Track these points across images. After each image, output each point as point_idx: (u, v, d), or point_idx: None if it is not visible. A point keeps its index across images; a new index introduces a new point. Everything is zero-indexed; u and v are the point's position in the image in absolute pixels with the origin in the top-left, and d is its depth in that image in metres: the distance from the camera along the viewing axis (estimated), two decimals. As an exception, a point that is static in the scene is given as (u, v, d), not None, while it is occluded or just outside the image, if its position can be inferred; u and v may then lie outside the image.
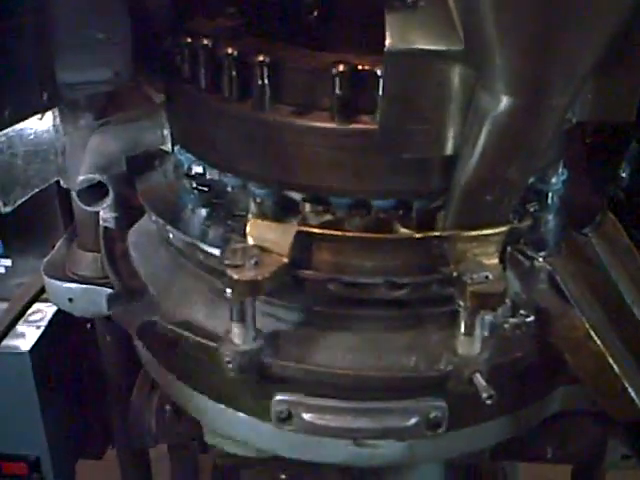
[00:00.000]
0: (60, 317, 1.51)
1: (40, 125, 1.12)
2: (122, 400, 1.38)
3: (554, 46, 0.74)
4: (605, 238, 1.00)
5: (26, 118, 1.05)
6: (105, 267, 1.18)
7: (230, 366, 0.94)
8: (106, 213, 1.25)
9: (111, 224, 1.26)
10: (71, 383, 1.55)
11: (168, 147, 1.21)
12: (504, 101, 0.79)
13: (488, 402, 0.89)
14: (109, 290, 1.28)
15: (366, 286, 0.96)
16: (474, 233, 0.90)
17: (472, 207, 0.91)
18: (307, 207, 1.01)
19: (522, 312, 0.95)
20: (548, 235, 1.03)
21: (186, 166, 1.14)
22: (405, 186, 0.96)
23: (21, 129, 1.09)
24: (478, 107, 0.83)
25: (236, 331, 0.94)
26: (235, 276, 0.89)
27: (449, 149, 0.89)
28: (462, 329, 0.92)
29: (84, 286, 1.32)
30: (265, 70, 0.94)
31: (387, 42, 0.82)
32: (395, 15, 0.83)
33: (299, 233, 0.92)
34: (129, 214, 1.27)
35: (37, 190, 1.14)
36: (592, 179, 1.15)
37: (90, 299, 1.32)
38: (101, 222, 1.26)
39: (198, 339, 1.00)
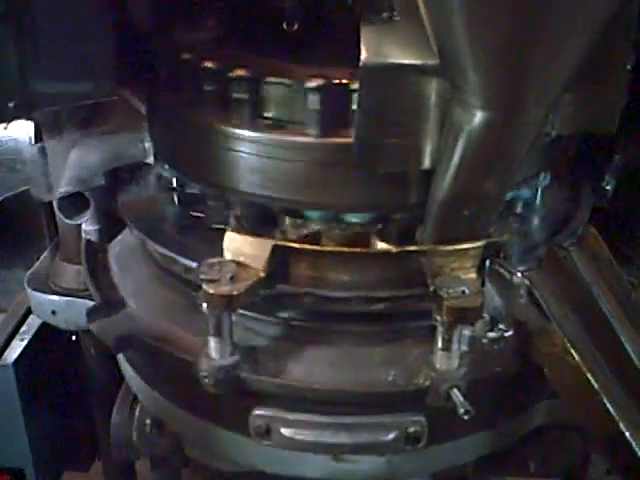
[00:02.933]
0: (45, 329, 1.51)
1: (5, 133, 1.10)
2: (107, 412, 1.37)
3: (526, 62, 0.74)
4: (586, 252, 1.00)
5: None
6: (85, 279, 1.17)
7: (207, 381, 0.93)
8: (88, 226, 1.25)
9: (93, 237, 1.25)
10: (57, 395, 1.54)
11: (150, 159, 1.21)
12: (478, 116, 0.79)
13: (465, 417, 0.88)
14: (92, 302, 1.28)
15: (344, 300, 0.96)
16: (451, 248, 0.90)
17: (449, 222, 0.91)
18: (285, 220, 1.00)
19: (501, 326, 0.95)
20: (528, 248, 1.02)
21: (167, 178, 1.14)
22: (382, 200, 0.96)
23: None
24: (453, 121, 0.82)
25: (213, 345, 0.93)
26: (211, 290, 0.88)
27: (426, 163, 0.89)
28: (440, 344, 0.91)
29: (67, 298, 1.33)
30: (241, 84, 0.94)
31: (362, 56, 0.82)
32: (370, 29, 0.83)
33: (275, 247, 0.92)
34: (112, 227, 1.27)
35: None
36: (574, 192, 1.14)
37: (73, 311, 1.32)
38: (83, 235, 1.25)
39: (175, 353, 0.99)
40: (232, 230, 0.94)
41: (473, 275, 0.91)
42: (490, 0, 0.71)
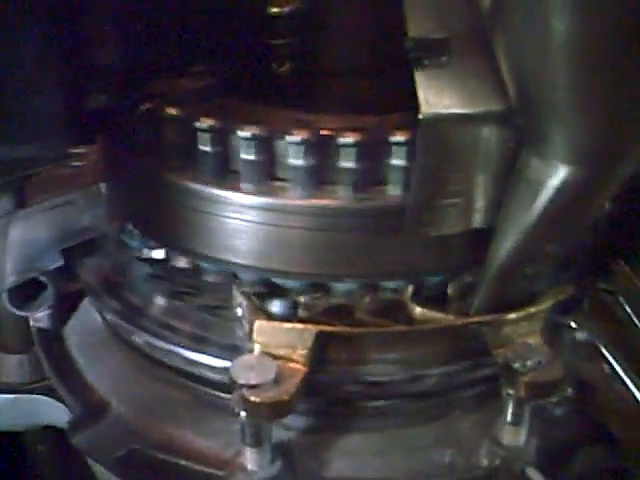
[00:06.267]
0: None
1: None
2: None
3: (631, 107, 0.64)
4: (628, 294, 0.92)
5: None
6: (53, 381, 0.98)
7: (246, 500, 0.79)
8: (39, 311, 1.04)
9: (45, 323, 1.05)
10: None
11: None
12: (563, 171, 0.68)
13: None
14: (42, 397, 1.09)
15: (389, 381, 0.83)
16: (523, 313, 0.79)
17: (510, 283, 0.80)
18: (305, 295, 0.86)
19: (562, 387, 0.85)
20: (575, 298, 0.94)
21: (138, 249, 0.96)
22: (420, 266, 0.84)
23: None
24: (528, 177, 0.71)
25: (249, 456, 0.78)
26: (254, 399, 0.73)
27: (478, 222, 0.78)
28: (509, 418, 0.81)
29: (11, 396, 1.11)
30: (246, 142, 0.79)
31: (422, 107, 0.69)
32: (427, 74, 0.70)
33: (320, 335, 0.78)
34: (62, 307, 1.07)
35: None
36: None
37: (20, 409, 1.12)
38: (32, 323, 1.05)
39: (198, 467, 0.83)
40: (261, 318, 0.79)
41: (539, 339, 0.81)
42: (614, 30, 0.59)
